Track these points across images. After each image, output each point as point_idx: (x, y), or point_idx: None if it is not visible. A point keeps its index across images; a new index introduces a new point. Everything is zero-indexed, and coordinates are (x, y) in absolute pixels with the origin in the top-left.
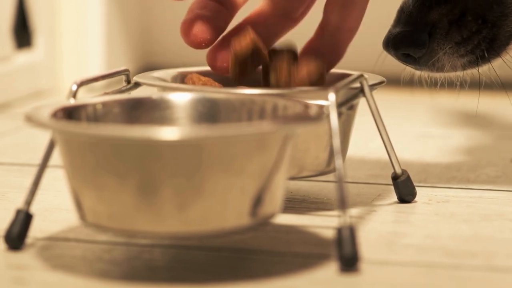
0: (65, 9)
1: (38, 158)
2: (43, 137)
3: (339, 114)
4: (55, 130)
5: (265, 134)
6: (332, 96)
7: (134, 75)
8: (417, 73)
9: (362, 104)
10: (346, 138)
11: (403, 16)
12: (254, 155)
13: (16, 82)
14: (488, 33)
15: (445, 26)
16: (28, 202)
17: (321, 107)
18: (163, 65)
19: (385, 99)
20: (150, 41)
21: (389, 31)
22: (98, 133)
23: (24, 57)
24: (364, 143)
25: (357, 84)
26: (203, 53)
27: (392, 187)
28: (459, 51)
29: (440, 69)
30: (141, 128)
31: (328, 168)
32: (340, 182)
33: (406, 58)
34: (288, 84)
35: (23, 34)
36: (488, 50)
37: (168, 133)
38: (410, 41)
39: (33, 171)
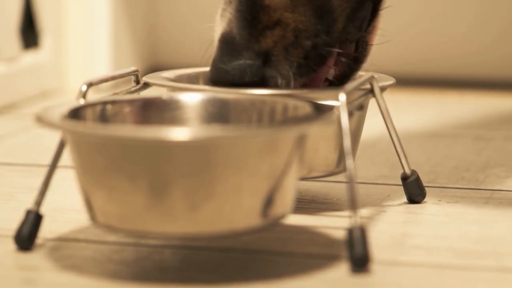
0: (72, 10)
1: (45, 159)
2: (50, 138)
3: (350, 115)
4: (66, 131)
5: (276, 135)
6: (342, 97)
7: (141, 75)
8: None
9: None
10: (356, 138)
11: (230, 47)
12: (265, 155)
13: (23, 82)
14: (322, 49)
15: (279, 51)
16: (38, 202)
17: (331, 107)
18: (169, 65)
19: (393, 99)
20: (157, 42)
21: (216, 66)
22: (109, 133)
23: (30, 57)
24: (371, 143)
25: (367, 85)
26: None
27: (401, 188)
28: (300, 72)
29: (279, 87)
30: (152, 129)
31: (337, 168)
32: (351, 182)
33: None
34: None
35: (30, 34)
36: (325, 62)
37: (179, 133)
38: (244, 75)
39: (41, 171)
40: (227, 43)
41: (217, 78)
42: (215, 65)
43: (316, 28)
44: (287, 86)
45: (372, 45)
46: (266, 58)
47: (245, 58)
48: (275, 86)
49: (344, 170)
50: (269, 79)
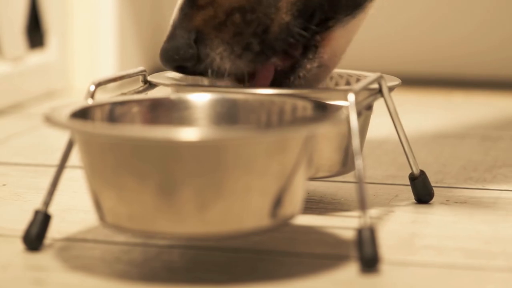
0: (78, 9)
1: (53, 159)
2: (57, 138)
3: (358, 115)
4: (75, 131)
5: (285, 135)
6: (351, 97)
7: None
8: None
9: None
10: (362, 138)
11: (171, 29)
12: (274, 156)
13: (29, 82)
14: (258, 27)
15: (211, 29)
16: (47, 203)
17: (340, 107)
18: None
19: (399, 99)
20: (162, 41)
21: (161, 48)
22: (119, 134)
23: (36, 57)
24: (378, 143)
25: (375, 85)
26: None
27: (409, 188)
28: (234, 51)
29: (223, 73)
30: (161, 129)
31: (343, 168)
32: (360, 182)
33: (185, 70)
34: None
35: (35, 34)
36: (263, 44)
37: (188, 134)
38: (177, 54)
39: (48, 171)
40: (172, 26)
41: (162, 62)
42: (161, 47)
43: (253, 7)
44: (223, 67)
45: (322, 52)
46: (198, 36)
47: (178, 37)
48: (210, 66)
49: (350, 170)
50: (204, 57)
